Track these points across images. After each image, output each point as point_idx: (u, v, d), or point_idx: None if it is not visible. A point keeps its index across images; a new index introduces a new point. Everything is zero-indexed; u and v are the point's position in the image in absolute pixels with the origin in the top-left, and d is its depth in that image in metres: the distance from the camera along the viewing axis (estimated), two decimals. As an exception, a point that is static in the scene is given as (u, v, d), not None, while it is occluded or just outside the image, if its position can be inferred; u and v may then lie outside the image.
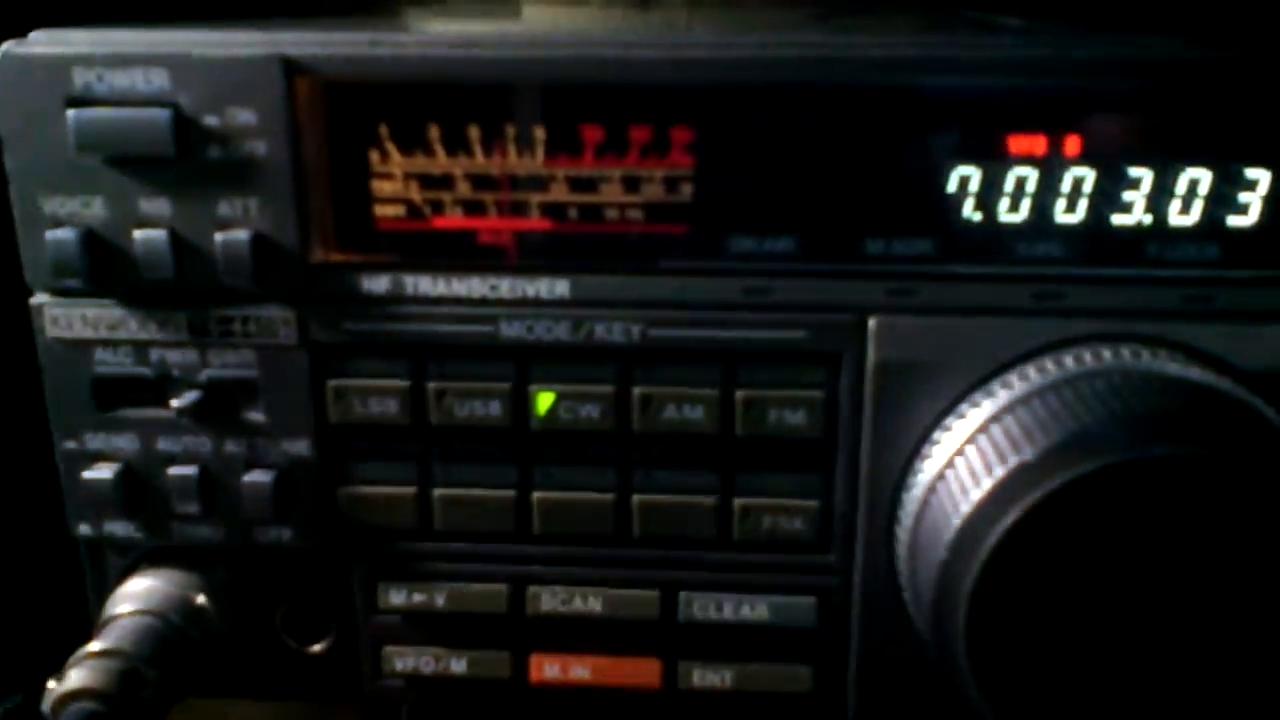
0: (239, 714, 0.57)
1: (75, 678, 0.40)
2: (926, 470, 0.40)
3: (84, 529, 0.45)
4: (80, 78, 0.39)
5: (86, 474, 0.43)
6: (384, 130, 0.41)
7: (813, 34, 0.40)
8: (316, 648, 0.46)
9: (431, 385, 0.42)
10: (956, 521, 0.36)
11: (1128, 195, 0.40)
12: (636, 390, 0.42)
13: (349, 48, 0.39)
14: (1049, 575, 0.35)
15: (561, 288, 0.41)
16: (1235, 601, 0.36)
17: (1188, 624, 0.36)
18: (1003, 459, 0.36)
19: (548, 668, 0.45)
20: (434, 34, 0.41)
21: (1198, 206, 0.40)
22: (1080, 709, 0.36)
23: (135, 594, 0.44)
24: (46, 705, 0.40)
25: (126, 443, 0.43)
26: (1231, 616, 0.36)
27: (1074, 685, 0.36)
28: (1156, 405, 0.36)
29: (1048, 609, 0.36)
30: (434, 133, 0.41)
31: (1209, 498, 0.35)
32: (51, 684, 0.40)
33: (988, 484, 0.36)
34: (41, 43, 0.40)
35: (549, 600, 0.44)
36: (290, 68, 0.39)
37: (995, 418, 0.38)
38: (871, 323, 0.40)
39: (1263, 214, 0.40)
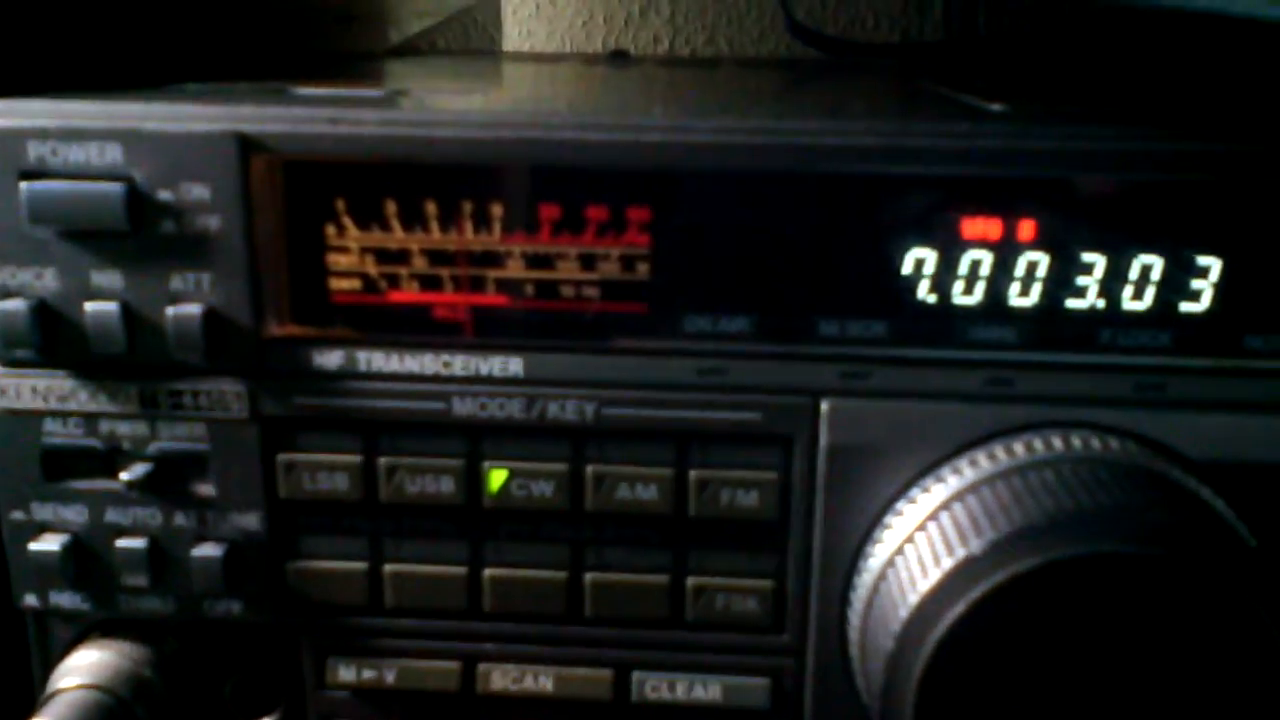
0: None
1: (14, 758, 0.39)
2: (878, 555, 0.40)
3: (30, 600, 0.44)
4: (34, 150, 0.39)
5: (33, 545, 0.43)
6: (341, 205, 0.41)
7: (768, 119, 0.40)
8: (265, 722, 0.46)
9: (383, 461, 0.42)
10: (904, 613, 0.36)
11: (1081, 280, 0.40)
12: (590, 469, 0.42)
13: (306, 125, 0.40)
14: (995, 667, 0.35)
15: (515, 366, 0.41)
16: (1177, 696, 0.35)
17: (1126, 707, 0.36)
18: (950, 550, 0.36)
19: (498, 746, 0.45)
20: (393, 112, 0.41)
21: (1150, 293, 0.40)
22: (1027, 803, 0.36)
23: (80, 667, 0.44)
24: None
25: (75, 514, 0.43)
26: (1172, 707, 0.35)
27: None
28: (1103, 499, 0.36)
29: (994, 701, 0.36)
30: (391, 208, 0.41)
31: (1154, 594, 0.35)
32: (-11, 763, 0.40)
33: (935, 576, 0.36)
34: (-4, 115, 0.40)
35: (500, 679, 0.44)
36: (246, 144, 0.39)
37: (945, 505, 0.38)
38: (824, 405, 0.40)
39: (1214, 301, 0.40)
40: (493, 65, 0.73)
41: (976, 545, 0.35)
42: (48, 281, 0.40)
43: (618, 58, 0.82)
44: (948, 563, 0.36)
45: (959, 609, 0.35)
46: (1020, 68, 0.71)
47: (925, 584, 0.36)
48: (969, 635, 0.35)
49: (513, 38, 0.89)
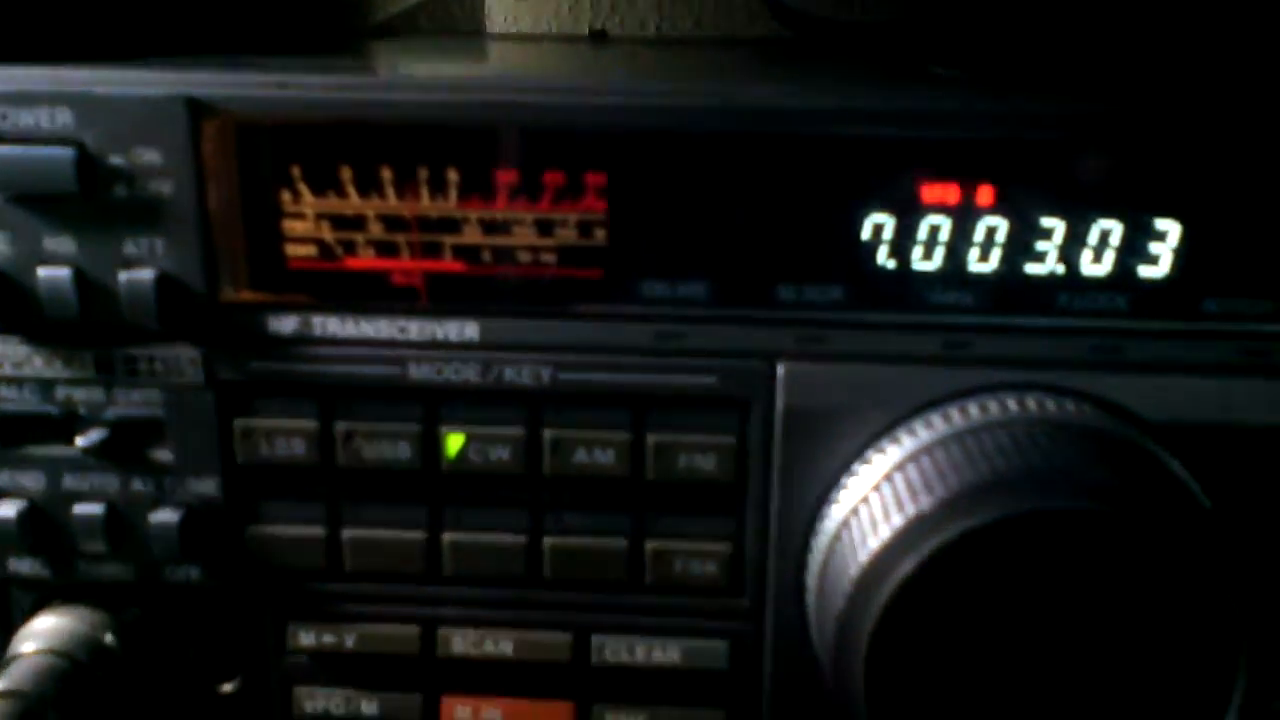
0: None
1: (-30, 720, 0.39)
2: (833, 516, 0.40)
3: (-11, 567, 0.44)
4: (-17, 115, 0.39)
5: (-9, 511, 0.43)
6: (296, 171, 0.40)
7: (725, 83, 0.40)
8: (226, 687, 0.46)
9: (340, 426, 0.42)
10: (855, 570, 0.36)
11: (1040, 245, 0.40)
12: (547, 433, 0.42)
13: (256, 89, 0.39)
14: (945, 622, 0.35)
15: (471, 330, 0.41)
16: (1126, 650, 0.36)
17: (1080, 671, 0.36)
18: (901, 508, 0.36)
19: (459, 710, 0.45)
20: (344, 76, 0.41)
21: (1109, 257, 0.40)
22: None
23: (41, 632, 0.44)
24: (-60, 749, 0.39)
25: (31, 481, 0.43)
26: (1123, 664, 0.36)
27: (971, 735, 0.36)
28: (1055, 458, 0.36)
29: (944, 657, 0.36)
30: (346, 173, 0.40)
31: (1104, 551, 0.35)
32: (-54, 726, 0.40)
33: (886, 533, 0.36)
34: (-55, 79, 0.39)
35: (460, 642, 0.44)
36: (196, 108, 0.39)
37: (899, 465, 0.38)
38: (780, 369, 0.40)
39: (1173, 265, 0.40)
40: (469, 44, 0.72)
41: (927, 502, 0.35)
42: (-1, 246, 0.40)
43: (597, 38, 0.82)
44: (899, 520, 0.36)
45: (909, 565, 0.35)
46: (1001, 43, 0.71)
47: (876, 541, 0.36)
48: (919, 590, 0.35)
49: (497, 21, 0.88)
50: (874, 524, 0.37)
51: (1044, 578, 0.35)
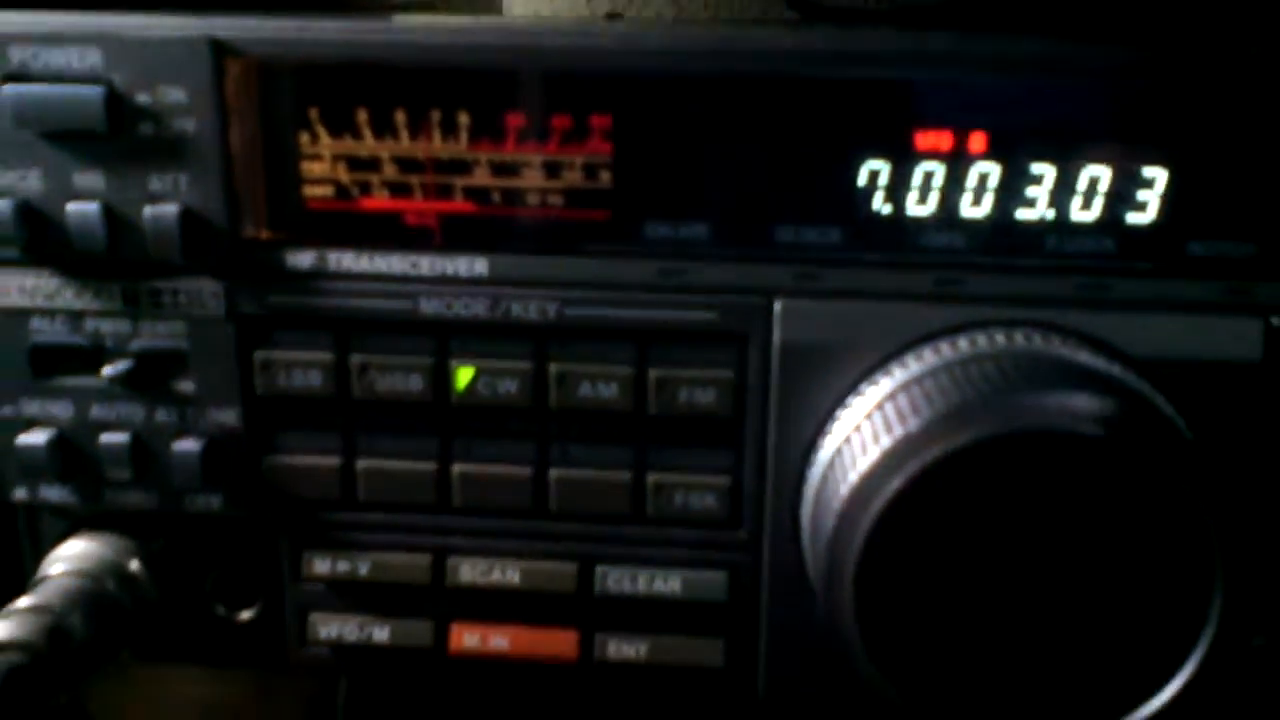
0: (187, 692, 0.58)
1: (1, 630, 0.41)
2: (826, 447, 0.41)
3: (20, 494, 0.46)
4: (16, 55, 0.41)
5: (22, 439, 0.45)
6: (314, 113, 0.42)
7: (725, 28, 0.41)
8: (245, 614, 0.48)
9: (354, 359, 0.43)
10: (844, 493, 0.38)
11: (1031, 191, 0.42)
12: (553, 367, 0.43)
13: (276, 30, 0.41)
14: (931, 544, 0.37)
15: (480, 266, 0.43)
16: (1105, 573, 0.37)
17: (1061, 593, 0.37)
18: (889, 431, 0.37)
19: (468, 637, 0.46)
20: (361, 21, 0.42)
21: (1098, 203, 0.42)
22: (963, 672, 0.38)
23: (69, 556, 0.46)
24: (-27, 659, 0.41)
25: (61, 410, 0.45)
26: (1102, 587, 0.37)
27: (956, 649, 0.38)
28: (1039, 384, 0.37)
29: (931, 577, 0.37)
30: (362, 116, 0.42)
31: (1084, 474, 0.36)
32: (-21, 638, 0.42)
33: (874, 454, 0.37)
34: (-20, 21, 0.41)
35: (469, 571, 0.46)
36: (219, 49, 0.41)
37: (889, 396, 0.40)
38: (777, 305, 0.42)
39: (1160, 211, 0.41)
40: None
41: (914, 424, 0.37)
42: (31, 182, 0.42)
43: (612, 18, 0.84)
44: (886, 441, 0.37)
45: (895, 485, 0.36)
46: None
47: (865, 462, 0.37)
48: (905, 510, 0.36)
49: (516, 6, 0.90)
50: (863, 449, 0.38)
51: (1027, 499, 0.37)
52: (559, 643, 0.46)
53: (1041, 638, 0.38)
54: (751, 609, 0.45)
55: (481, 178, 0.42)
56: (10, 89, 0.41)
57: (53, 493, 0.46)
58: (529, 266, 0.43)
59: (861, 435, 0.39)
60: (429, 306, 0.43)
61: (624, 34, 0.41)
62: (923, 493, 0.36)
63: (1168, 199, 0.41)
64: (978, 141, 0.41)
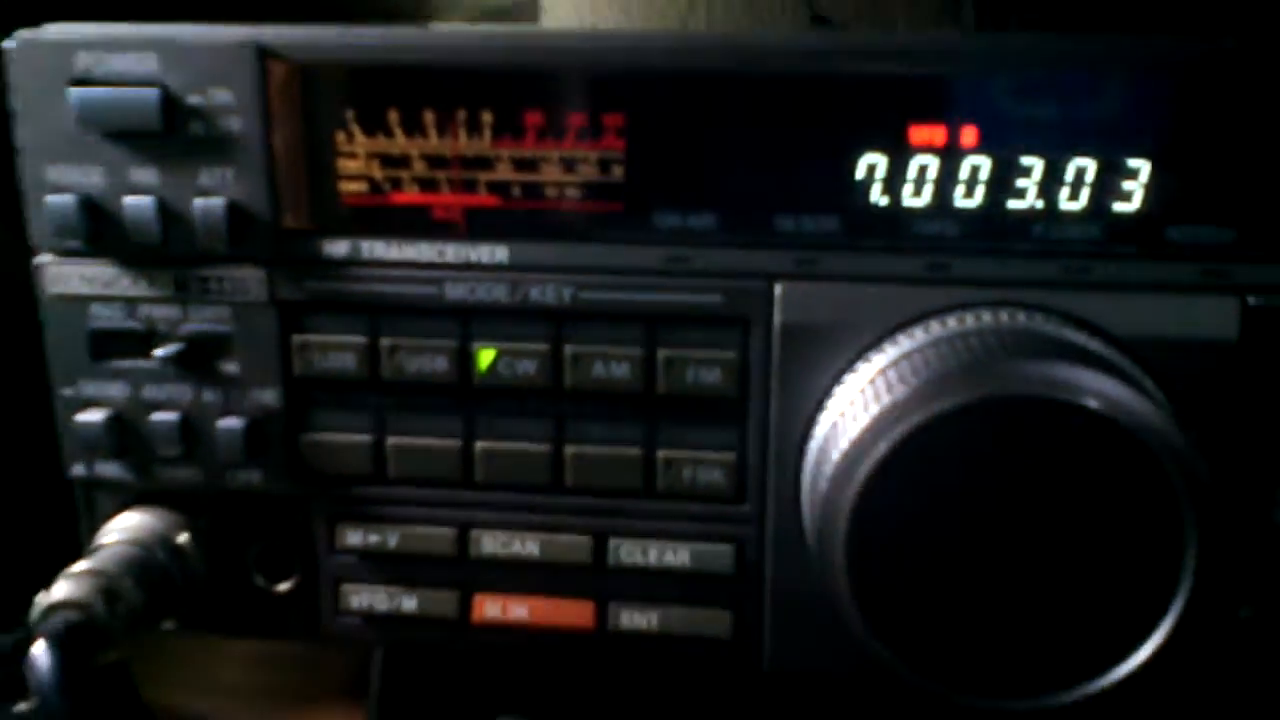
0: (227, 678, 0.61)
1: (60, 590, 0.45)
2: (823, 422, 0.44)
3: (78, 470, 0.50)
4: (82, 60, 0.45)
5: (80, 417, 0.48)
6: (350, 114, 0.46)
7: (730, 31, 0.45)
8: (283, 586, 0.51)
9: (384, 341, 0.47)
10: (836, 457, 0.40)
11: (1021, 182, 0.44)
12: (568, 348, 0.46)
13: (316, 37, 0.45)
14: (917, 505, 0.39)
15: (501, 253, 0.46)
16: (1082, 537, 0.39)
17: (1040, 552, 0.39)
18: (878, 400, 0.40)
19: (489, 607, 0.49)
20: (393, 29, 0.46)
21: (1085, 193, 0.44)
22: (949, 629, 0.40)
23: (123, 527, 0.49)
24: (33, 615, 0.45)
25: (116, 390, 0.48)
26: (1079, 551, 0.39)
27: (943, 607, 0.40)
28: (1022, 355, 0.40)
29: (917, 537, 0.40)
30: (393, 116, 0.46)
31: (1061, 439, 0.38)
32: (40, 597, 0.45)
33: (864, 420, 0.40)
34: (51, 32, 0.45)
35: (490, 544, 0.48)
36: (264, 54, 0.44)
37: (881, 370, 0.42)
38: (777, 289, 0.45)
39: (1143, 201, 0.44)
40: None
41: (900, 393, 0.39)
42: (92, 178, 0.46)
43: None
44: (875, 408, 0.40)
45: (883, 448, 0.39)
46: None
47: (855, 428, 0.40)
48: (892, 472, 0.39)
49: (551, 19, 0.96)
50: (854, 419, 0.41)
51: (1007, 464, 0.39)
52: (576, 613, 0.49)
53: (1023, 599, 0.40)
54: (757, 581, 0.47)
55: (504, 172, 0.46)
56: (76, 92, 0.45)
57: (108, 469, 0.49)
58: (546, 254, 0.46)
59: (854, 408, 0.42)
60: (454, 292, 0.46)
61: (634, 35, 0.44)
62: (908, 456, 0.39)
63: (1151, 188, 0.43)
64: (969, 135, 0.44)
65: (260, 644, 0.60)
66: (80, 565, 0.46)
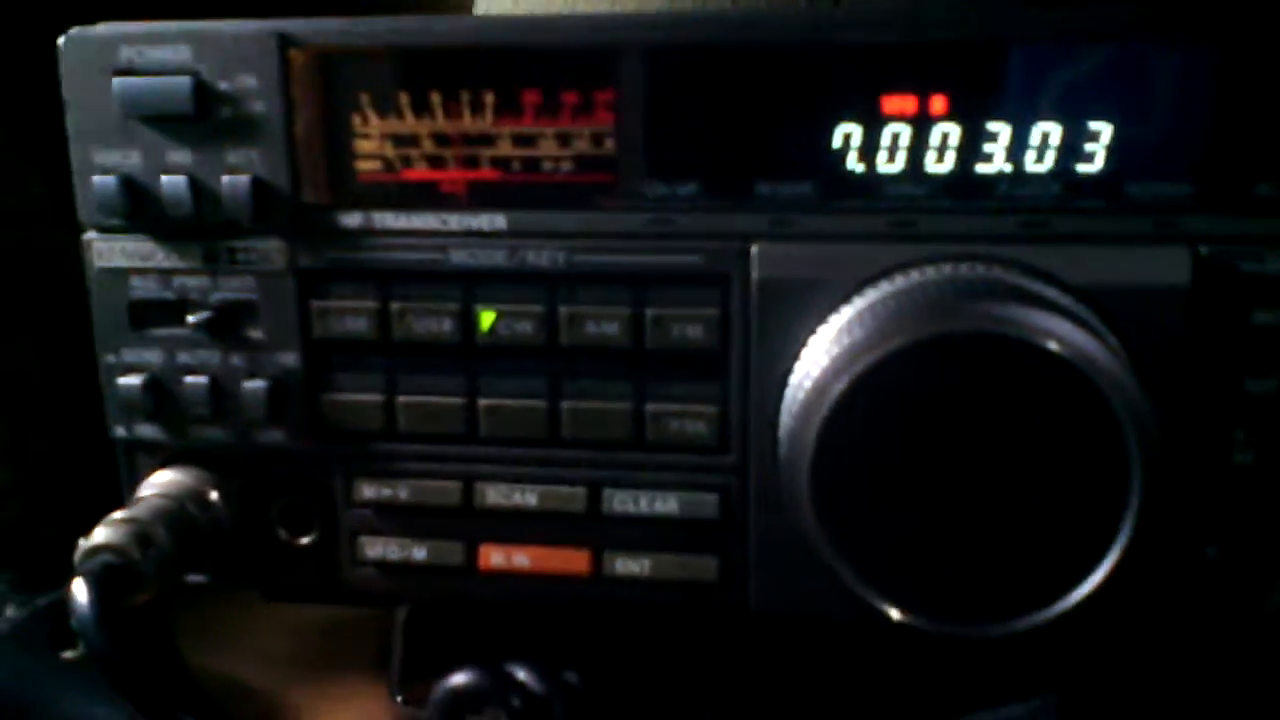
0: (255, 644, 0.65)
1: (99, 535, 0.49)
2: (798, 372, 0.47)
3: (119, 431, 0.54)
4: (125, 53, 0.50)
5: (121, 381, 0.53)
6: (364, 97, 0.50)
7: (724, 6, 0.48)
8: (305, 540, 0.54)
9: (394, 305, 0.51)
10: (802, 396, 0.43)
11: (988, 147, 0.47)
12: (563, 309, 0.50)
13: (331, 27, 0.49)
14: (876, 438, 0.42)
15: (500, 221, 0.50)
16: (1032, 468, 0.41)
17: (994, 485, 0.42)
18: (839, 342, 0.43)
19: (494, 556, 0.52)
20: (402, 19, 0.50)
21: (1050, 156, 0.47)
22: (909, 557, 0.42)
23: (158, 483, 0.53)
24: (76, 558, 0.49)
25: (153, 356, 0.53)
26: (1029, 481, 0.42)
27: (902, 536, 0.42)
28: (976, 296, 0.42)
29: (877, 469, 0.42)
30: (403, 99, 0.50)
31: (1009, 375, 0.41)
32: (81, 541, 0.49)
33: (825, 361, 0.43)
34: (97, 29, 0.50)
35: (494, 495, 0.52)
36: (284, 42, 0.49)
37: (849, 321, 0.45)
38: (754, 249, 0.48)
39: (1106, 161, 0.46)
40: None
41: (859, 334, 0.42)
42: (133, 160, 0.51)
43: None
44: (835, 350, 0.42)
45: (841, 385, 0.41)
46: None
47: (818, 369, 0.43)
48: (854, 406, 0.41)
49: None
50: (820, 362, 0.44)
51: (960, 399, 0.41)
52: (574, 560, 0.52)
53: (978, 530, 0.42)
54: (741, 528, 0.50)
55: (504, 149, 0.50)
56: (119, 81, 0.49)
57: (145, 429, 0.54)
58: (542, 221, 0.49)
59: (822, 354, 0.44)
60: (457, 257, 0.50)
61: (622, 16, 0.48)
62: (868, 390, 0.42)
63: (1113, 150, 0.46)
64: (939, 103, 0.47)
65: (288, 613, 0.63)
66: (118, 514, 0.50)
